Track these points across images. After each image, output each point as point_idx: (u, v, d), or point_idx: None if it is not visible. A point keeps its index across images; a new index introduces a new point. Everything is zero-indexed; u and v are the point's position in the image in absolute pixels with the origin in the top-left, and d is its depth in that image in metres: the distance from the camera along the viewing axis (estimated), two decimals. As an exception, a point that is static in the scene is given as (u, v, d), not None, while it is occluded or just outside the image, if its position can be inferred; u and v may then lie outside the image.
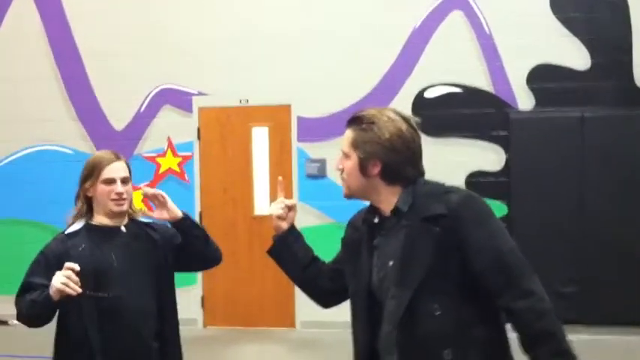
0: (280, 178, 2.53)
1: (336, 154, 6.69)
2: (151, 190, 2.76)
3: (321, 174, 6.78)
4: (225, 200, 7.03)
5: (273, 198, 7.38)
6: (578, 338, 6.34)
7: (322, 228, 6.45)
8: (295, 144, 6.88)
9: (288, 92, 6.85)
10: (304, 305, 6.77)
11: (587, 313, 6.19)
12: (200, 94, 7.06)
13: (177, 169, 7.10)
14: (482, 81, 6.60)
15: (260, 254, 6.66)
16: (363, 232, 2.19)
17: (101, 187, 2.71)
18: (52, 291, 2.49)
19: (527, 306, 1.95)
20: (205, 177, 7.08)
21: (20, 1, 7.36)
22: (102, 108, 7.26)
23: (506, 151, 6.53)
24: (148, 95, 7.15)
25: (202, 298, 7.02)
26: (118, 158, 2.77)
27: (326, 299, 2.40)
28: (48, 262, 2.69)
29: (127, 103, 7.18)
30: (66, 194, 7.90)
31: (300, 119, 6.86)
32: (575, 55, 6.44)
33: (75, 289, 2.43)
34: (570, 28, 6.45)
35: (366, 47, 6.73)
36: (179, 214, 2.74)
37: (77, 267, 2.46)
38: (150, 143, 7.12)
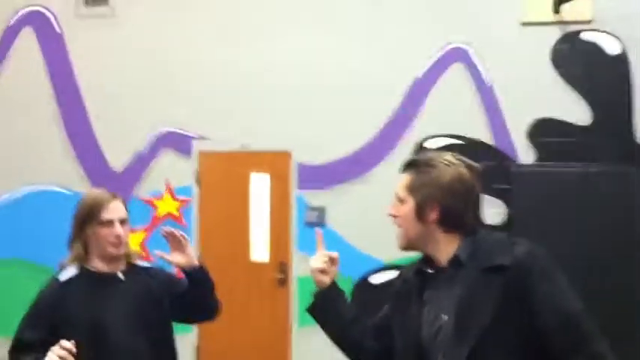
0: (319, 230, 2.42)
1: (336, 203, 6.63)
2: (172, 230, 2.59)
3: (320, 222, 6.72)
4: (223, 246, 6.95)
5: (271, 246, 7.34)
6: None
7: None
8: (295, 191, 6.84)
9: (288, 139, 6.84)
10: (301, 355, 6.65)
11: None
12: (201, 137, 7.05)
13: (175, 212, 7.04)
14: (482, 133, 6.60)
15: (256, 301, 6.64)
16: (413, 284, 2.07)
17: (98, 230, 2.58)
18: None
19: None
20: (204, 221, 7.01)
21: (23, 40, 7.38)
22: (101, 149, 7.23)
23: (508, 204, 6.49)
24: (149, 138, 7.13)
25: (197, 348, 6.88)
26: (114, 197, 2.66)
27: (369, 357, 2.24)
28: (40, 314, 2.58)
29: (127, 145, 7.15)
30: (62, 235, 7.84)
31: (300, 166, 6.84)
32: (576, 110, 6.45)
33: None
34: (571, 83, 6.47)
35: (367, 97, 6.74)
36: (195, 261, 2.61)
37: (73, 348, 2.31)
38: (148, 185, 7.07)
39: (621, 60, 6.44)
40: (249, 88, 6.92)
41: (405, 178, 2.06)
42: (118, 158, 7.19)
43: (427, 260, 2.07)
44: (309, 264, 2.28)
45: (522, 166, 6.52)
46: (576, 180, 6.34)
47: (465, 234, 2.00)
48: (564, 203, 6.31)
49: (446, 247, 2.01)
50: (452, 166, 2.01)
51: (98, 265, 2.63)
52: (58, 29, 7.30)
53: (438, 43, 6.64)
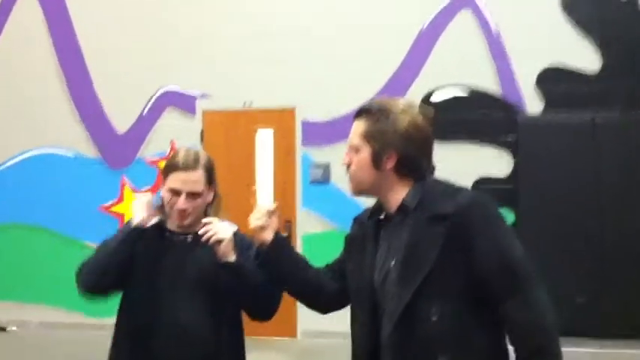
0: (254, 188, 2.40)
1: (341, 159, 6.55)
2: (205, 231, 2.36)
3: (325, 179, 6.66)
4: (227, 204, 6.89)
5: (277, 203, 7.32)
6: (587, 351, 6.27)
7: (326, 235, 6.33)
8: (300, 148, 6.77)
9: (292, 95, 6.75)
10: (306, 314, 6.64)
11: (597, 325, 6.03)
12: (204, 96, 6.97)
13: (179, 173, 7.01)
14: (490, 83, 6.48)
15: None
16: (368, 228, 2.06)
17: (166, 194, 2.42)
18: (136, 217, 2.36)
19: (527, 318, 1.85)
20: (208, 181, 6.98)
21: (24, 2, 7.30)
22: (105, 111, 7.18)
23: (515, 156, 6.39)
24: (151, 98, 7.07)
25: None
26: (193, 166, 2.40)
27: (327, 304, 2.25)
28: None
29: (130, 106, 7.10)
30: (66, 198, 7.88)
31: (304, 123, 6.76)
32: (585, 57, 6.29)
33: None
34: (581, 29, 6.31)
35: (371, 49, 6.62)
36: (230, 258, 2.36)
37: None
38: (153, 146, 7.03)
39: (632, 4, 6.26)
40: (251, 46, 6.81)
41: (359, 126, 2.02)
42: (122, 120, 7.15)
43: (381, 205, 2.05)
44: (250, 223, 2.21)
45: (530, 116, 6.40)
46: (584, 129, 6.22)
47: (417, 180, 2.00)
48: (574, 153, 6.20)
49: (398, 193, 2.00)
50: (407, 113, 1.99)
51: (172, 225, 2.45)
52: (59, -9, 7.22)
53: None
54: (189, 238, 2.46)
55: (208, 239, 2.38)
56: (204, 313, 2.41)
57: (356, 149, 2.01)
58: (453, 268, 1.88)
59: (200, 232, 2.38)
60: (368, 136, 1.99)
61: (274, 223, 2.23)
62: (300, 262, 2.24)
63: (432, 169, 2.04)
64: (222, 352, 2.43)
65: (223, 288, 2.41)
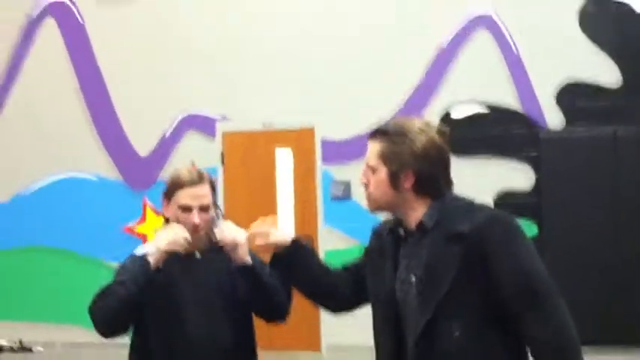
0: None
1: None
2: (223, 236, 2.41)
3: (346, 196, 6.67)
4: (249, 224, 6.93)
5: (297, 221, 7.34)
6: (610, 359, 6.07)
7: (349, 251, 6.32)
8: (320, 166, 6.79)
9: (311, 115, 6.78)
10: (330, 328, 6.65)
11: (621, 335, 5.97)
12: (224, 118, 7.03)
13: (201, 194, 7.05)
14: (510, 100, 6.47)
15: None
16: (387, 243, 2.08)
17: (176, 212, 2.44)
18: (153, 254, 2.35)
19: (547, 336, 1.83)
20: (229, 202, 7.01)
21: (45, 28, 7.43)
22: (126, 134, 7.25)
23: (537, 171, 6.36)
24: (173, 121, 7.14)
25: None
26: (198, 181, 2.42)
27: (339, 306, 2.30)
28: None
29: (151, 130, 7.17)
30: (90, 221, 7.93)
31: (324, 142, 6.78)
32: (605, 72, 6.28)
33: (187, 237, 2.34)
34: (599, 44, 6.30)
35: (390, 67, 6.65)
36: (245, 260, 2.43)
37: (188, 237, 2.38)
38: (174, 169, 7.07)
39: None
40: (270, 67, 6.87)
41: (375, 146, 2.03)
42: (143, 143, 7.21)
43: (400, 221, 2.07)
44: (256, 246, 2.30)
45: (551, 131, 6.38)
46: (606, 144, 6.19)
47: (435, 198, 2.00)
48: (594, 168, 6.17)
49: (416, 211, 2.01)
50: (424, 132, 1.99)
51: None
52: (79, 19, 7.32)
53: (463, 10, 6.51)
54: (198, 255, 2.49)
55: (220, 248, 2.44)
56: (225, 324, 2.45)
57: (373, 169, 2.04)
58: (472, 286, 1.89)
59: (218, 239, 2.42)
60: (384, 157, 2.01)
61: (275, 238, 2.28)
62: (314, 267, 2.27)
63: (450, 184, 2.05)
64: None
65: (242, 297, 2.46)
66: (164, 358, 2.42)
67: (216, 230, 2.47)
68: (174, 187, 2.46)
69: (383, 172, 2.01)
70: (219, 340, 2.44)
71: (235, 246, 2.42)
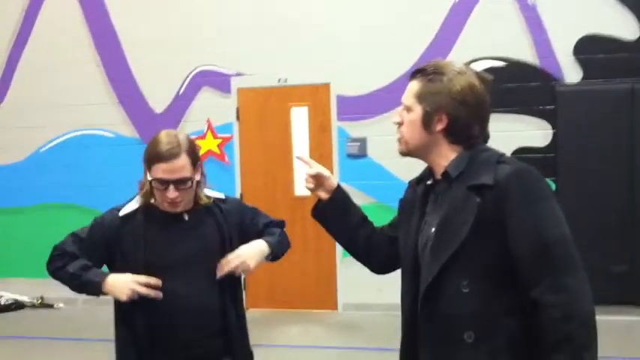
0: (298, 156, 2.43)
1: (376, 133, 6.54)
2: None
3: (361, 153, 6.67)
4: (265, 181, 6.98)
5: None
6: (627, 319, 6.22)
7: (363, 208, 6.34)
8: (335, 123, 6.78)
9: (327, 71, 6.75)
10: (346, 287, 6.73)
11: (636, 293, 5.99)
12: (238, 74, 7.01)
13: (217, 150, 7.08)
14: (527, 54, 6.40)
15: (302, 236, 6.68)
16: (418, 193, 2.02)
17: (154, 184, 2.37)
18: (110, 287, 2.38)
19: (555, 302, 1.72)
20: (245, 158, 7.04)
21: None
22: (142, 91, 7.27)
23: (553, 126, 6.33)
24: (187, 77, 7.13)
25: (244, 281, 7.01)
26: (176, 153, 2.32)
27: (379, 265, 2.23)
28: (94, 245, 2.46)
29: (167, 86, 7.17)
30: (107, 178, 8.00)
31: (339, 98, 6.76)
32: (623, 25, 6.18)
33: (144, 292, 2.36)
34: (618, -2, 6.19)
35: (406, 22, 6.58)
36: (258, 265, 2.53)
37: (160, 294, 2.37)
38: (190, 125, 7.10)
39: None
40: (285, 23, 6.82)
41: (414, 86, 1.95)
42: (158, 100, 7.23)
43: (430, 170, 2.01)
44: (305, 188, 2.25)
45: (568, 85, 6.32)
46: (625, 97, 6.12)
47: (468, 147, 1.92)
48: (611, 122, 6.12)
49: (445, 159, 1.93)
50: (464, 74, 1.90)
51: (164, 208, 2.43)
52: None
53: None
54: (186, 216, 2.47)
55: (208, 208, 2.51)
56: (212, 286, 2.45)
57: (408, 109, 1.96)
58: (486, 243, 1.80)
59: (225, 273, 2.44)
60: (420, 97, 1.92)
61: (329, 185, 2.22)
62: (353, 222, 2.20)
63: (486, 136, 1.96)
64: (231, 325, 2.52)
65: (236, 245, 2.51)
66: (148, 320, 2.42)
67: (217, 269, 2.46)
68: (150, 158, 2.37)
69: (417, 112, 1.93)
70: (205, 302, 2.44)
71: (246, 268, 2.48)
